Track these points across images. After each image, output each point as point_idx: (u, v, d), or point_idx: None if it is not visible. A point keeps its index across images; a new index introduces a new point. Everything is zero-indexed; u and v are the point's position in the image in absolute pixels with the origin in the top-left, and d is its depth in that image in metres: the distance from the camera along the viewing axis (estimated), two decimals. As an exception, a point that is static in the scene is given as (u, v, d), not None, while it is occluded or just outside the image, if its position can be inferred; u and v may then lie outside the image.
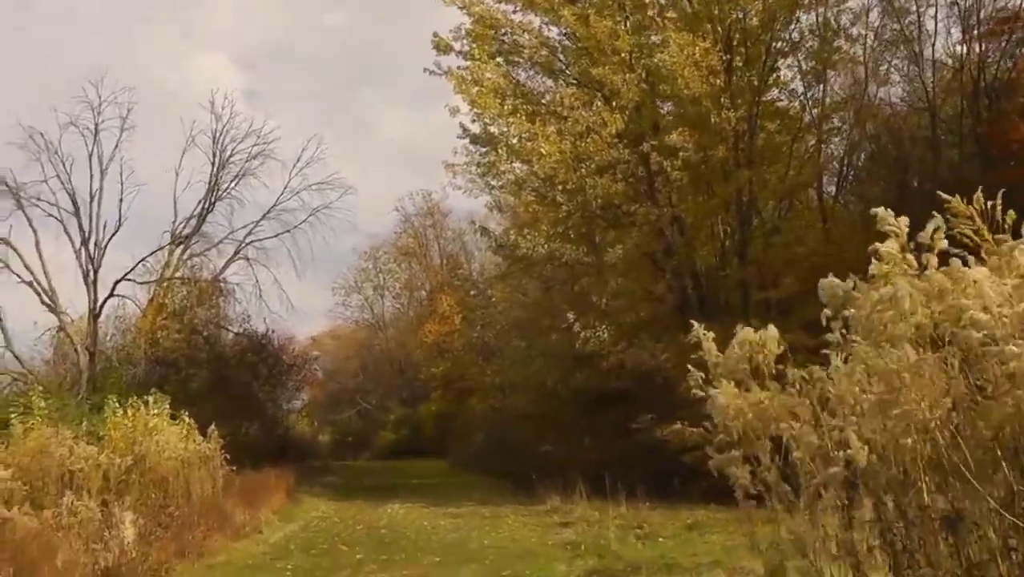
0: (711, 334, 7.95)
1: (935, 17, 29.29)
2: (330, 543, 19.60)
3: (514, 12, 28.15)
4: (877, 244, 5.84)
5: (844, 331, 6.74)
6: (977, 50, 28.86)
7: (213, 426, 23.19)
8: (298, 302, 75.55)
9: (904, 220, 5.83)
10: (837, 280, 6.15)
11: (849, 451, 5.67)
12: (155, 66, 77.52)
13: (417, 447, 58.53)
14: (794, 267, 27.32)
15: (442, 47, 28.16)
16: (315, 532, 21.86)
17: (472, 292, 60.46)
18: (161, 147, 76.46)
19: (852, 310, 6.19)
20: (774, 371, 7.47)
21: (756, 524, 8.54)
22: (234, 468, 24.16)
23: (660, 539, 17.72)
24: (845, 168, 31.09)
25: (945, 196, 5.88)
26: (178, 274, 42.62)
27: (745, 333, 7.27)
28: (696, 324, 8.16)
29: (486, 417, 44.46)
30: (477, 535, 19.91)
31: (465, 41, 28.04)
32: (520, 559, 16.23)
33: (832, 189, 31.21)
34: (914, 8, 29.53)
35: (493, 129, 28.05)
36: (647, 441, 24.66)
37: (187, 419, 22.65)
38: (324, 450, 62.46)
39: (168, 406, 22.24)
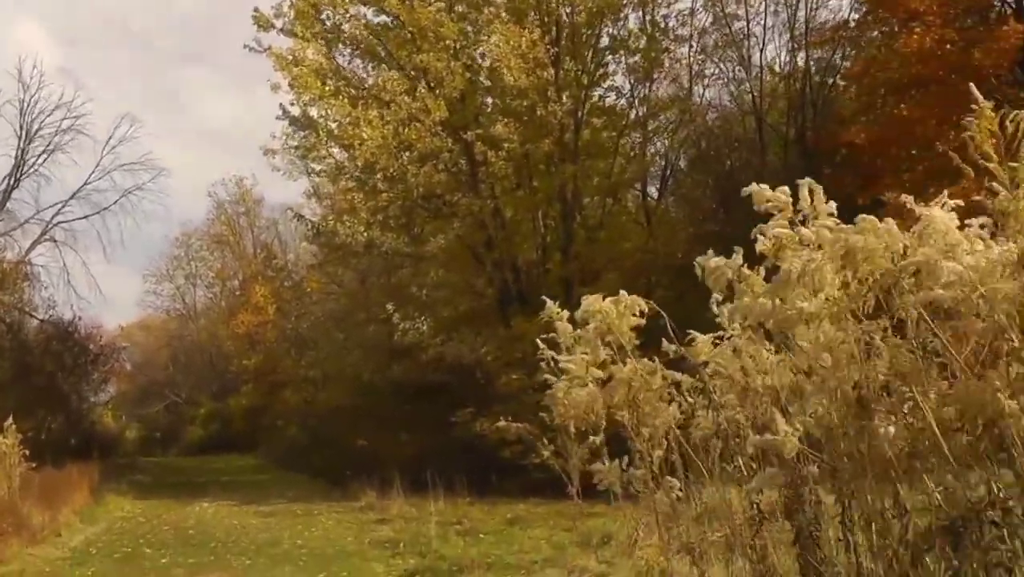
0: (564, 312, 7.44)
1: (763, 24, 29.67)
2: (134, 546, 18.40)
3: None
4: (761, 226, 5.28)
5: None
6: (804, 58, 29.42)
7: (11, 420, 21.60)
8: (108, 290, 72.67)
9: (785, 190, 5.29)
10: (720, 258, 5.57)
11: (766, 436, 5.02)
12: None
13: (227, 442, 56.80)
14: (617, 264, 27.37)
15: (262, 23, 26.99)
16: (119, 534, 20.51)
17: (287, 283, 59.02)
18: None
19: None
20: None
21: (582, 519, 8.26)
22: (34, 465, 22.56)
23: (482, 535, 17.41)
24: (669, 168, 31.25)
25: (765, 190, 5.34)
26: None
27: (593, 300, 6.69)
28: (548, 301, 7.62)
29: (299, 411, 43.25)
30: (289, 534, 19.08)
31: (287, 19, 26.99)
32: (336, 560, 15.56)
33: (656, 188, 31.35)
34: (743, 14, 29.82)
35: (313, 112, 27.21)
36: (465, 436, 24.39)
37: None
38: (131, 446, 59.89)
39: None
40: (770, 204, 5.28)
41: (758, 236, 5.25)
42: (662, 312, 6.30)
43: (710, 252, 5.65)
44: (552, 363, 7.73)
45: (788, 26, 29.65)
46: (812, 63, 29.68)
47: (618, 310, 6.57)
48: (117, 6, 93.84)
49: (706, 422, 6.60)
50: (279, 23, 27.07)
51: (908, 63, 20.38)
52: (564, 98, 26.48)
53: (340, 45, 27.99)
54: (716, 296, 6.10)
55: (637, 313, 6.61)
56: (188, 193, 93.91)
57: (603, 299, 6.64)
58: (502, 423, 9.66)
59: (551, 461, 9.03)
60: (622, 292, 6.57)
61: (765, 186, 5.42)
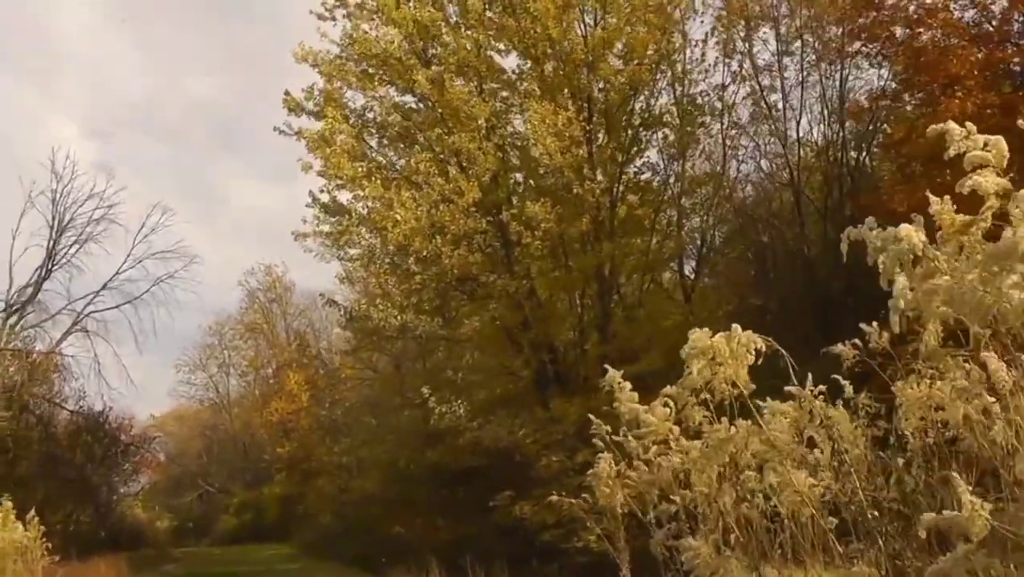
0: (627, 384, 6.92)
1: (798, 97, 29.30)
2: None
3: (365, 72, 27.04)
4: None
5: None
6: (839, 130, 29.05)
7: (33, 512, 21.08)
8: (140, 380, 72.21)
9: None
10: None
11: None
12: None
13: (261, 532, 56.19)
14: (657, 343, 26.85)
15: (292, 106, 26.84)
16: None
17: (321, 370, 58.66)
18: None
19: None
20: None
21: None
22: (58, 559, 21.98)
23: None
24: (705, 245, 30.74)
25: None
26: (10, 346, 39.71)
27: (701, 336, 5.96)
28: (610, 369, 7.12)
29: (333, 499, 42.62)
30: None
31: (317, 101, 26.86)
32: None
33: (692, 266, 30.86)
34: (777, 86, 29.51)
35: (344, 196, 26.89)
36: (504, 520, 23.80)
37: (5, 505, 20.61)
38: (163, 536, 59.34)
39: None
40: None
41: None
42: (780, 349, 5.63)
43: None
44: (607, 439, 7.25)
45: (821, 97, 29.20)
46: (848, 134, 29.26)
47: (731, 348, 5.84)
48: (143, 96, 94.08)
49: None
50: (309, 105, 26.98)
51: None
52: (599, 176, 26.14)
53: (370, 127, 27.75)
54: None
55: (753, 352, 5.88)
56: (223, 285, 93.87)
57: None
58: (554, 497, 9.18)
59: (595, 544, 8.60)
60: (734, 326, 5.70)
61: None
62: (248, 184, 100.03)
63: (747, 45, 29.16)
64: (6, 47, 78.94)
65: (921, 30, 21.25)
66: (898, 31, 21.60)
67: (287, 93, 26.96)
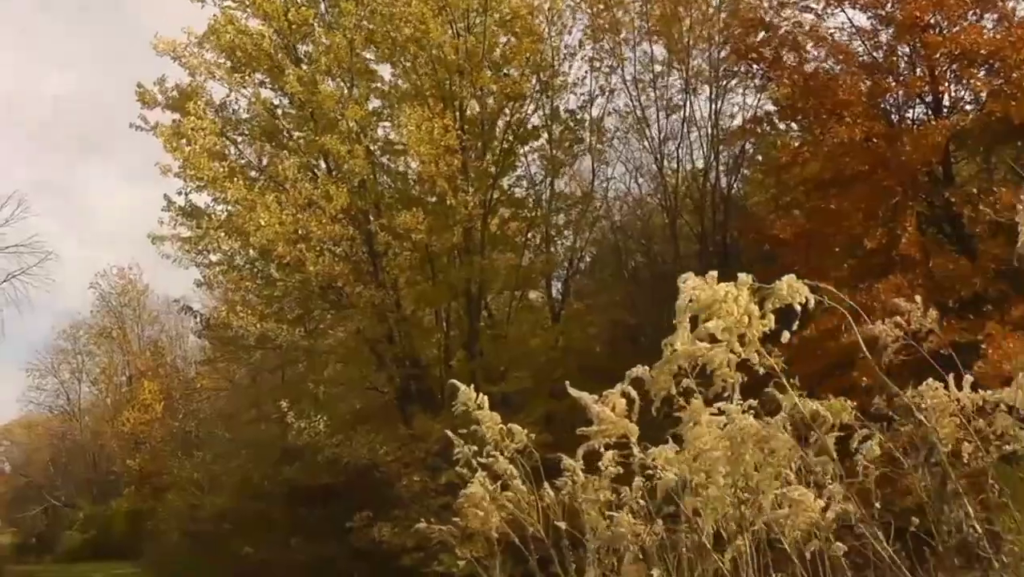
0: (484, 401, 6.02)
1: (683, 116, 28.97)
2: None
3: (231, 66, 25.73)
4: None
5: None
6: (713, 155, 28.81)
7: None
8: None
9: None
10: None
11: None
12: None
13: (108, 549, 53.71)
14: (524, 362, 26.19)
15: (147, 100, 25.33)
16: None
17: (176, 380, 56.66)
18: None
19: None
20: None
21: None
22: None
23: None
24: (576, 263, 30.12)
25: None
26: None
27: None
28: (461, 387, 6.18)
29: (184, 515, 40.77)
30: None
31: (172, 94, 25.42)
32: None
33: (561, 284, 30.23)
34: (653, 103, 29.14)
35: (204, 198, 25.58)
36: (362, 542, 22.95)
37: None
38: (4, 552, 56.63)
39: None
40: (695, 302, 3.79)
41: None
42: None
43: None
44: (470, 460, 6.38)
45: (690, 120, 28.91)
46: (721, 158, 29.06)
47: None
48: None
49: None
50: (163, 98, 25.50)
51: (834, 155, 19.60)
52: (472, 188, 25.27)
53: (234, 124, 26.45)
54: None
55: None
56: (82, 288, 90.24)
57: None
58: (422, 525, 8.33)
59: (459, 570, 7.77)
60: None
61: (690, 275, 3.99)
62: (111, 184, 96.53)
63: (617, 61, 28.71)
64: None
65: (810, 54, 21.02)
66: (785, 54, 21.25)
67: (139, 85, 25.45)
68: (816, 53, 21.09)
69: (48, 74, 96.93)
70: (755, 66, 23.07)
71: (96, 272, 61.44)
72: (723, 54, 26.72)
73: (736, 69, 25.60)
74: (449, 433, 6.69)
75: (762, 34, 21.52)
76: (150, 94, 25.36)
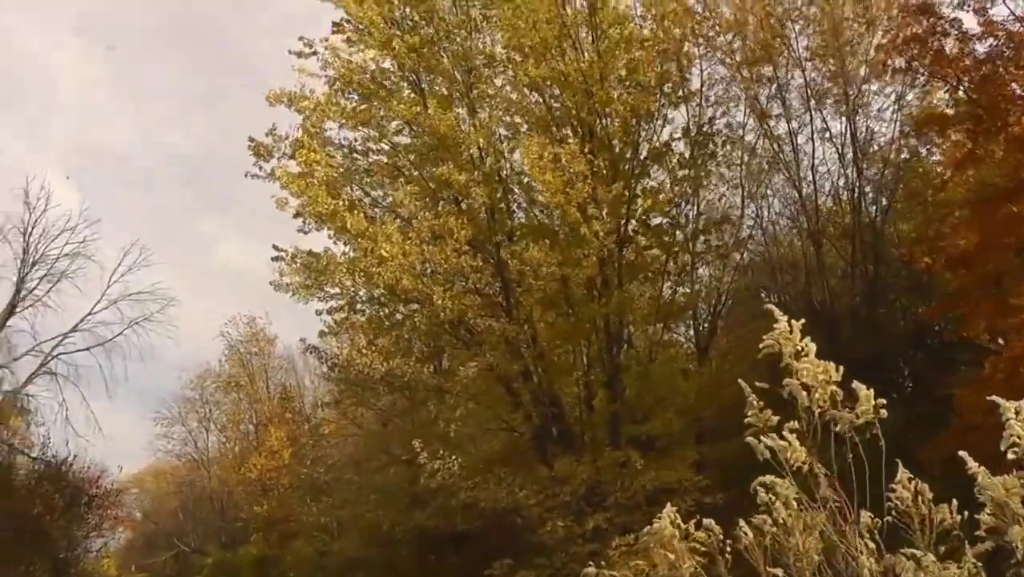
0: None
1: (812, 140, 27.10)
2: None
3: (344, 106, 24.89)
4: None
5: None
6: (857, 176, 26.85)
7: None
8: (115, 433, 69.53)
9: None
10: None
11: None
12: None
13: (235, 595, 53.24)
14: (670, 402, 24.54)
15: (261, 152, 24.56)
16: None
17: (304, 426, 56.09)
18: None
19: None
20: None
21: None
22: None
23: None
24: (721, 294, 28.17)
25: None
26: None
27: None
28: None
29: (312, 562, 39.99)
30: None
31: (285, 142, 24.58)
32: None
33: (709, 317, 28.33)
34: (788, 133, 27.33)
35: (324, 241, 24.74)
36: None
37: None
38: (131, 597, 56.68)
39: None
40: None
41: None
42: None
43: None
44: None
45: (829, 138, 27.01)
46: (865, 180, 27.11)
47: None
48: (127, 148, 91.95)
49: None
50: (279, 151, 24.70)
51: (1012, 153, 17.55)
52: (604, 215, 23.74)
53: (352, 158, 25.52)
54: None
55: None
56: (204, 341, 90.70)
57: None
58: (591, 571, 7.23)
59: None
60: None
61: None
62: (233, 239, 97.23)
63: (751, 73, 26.99)
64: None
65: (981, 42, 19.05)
66: (949, 45, 19.31)
67: (251, 139, 24.73)
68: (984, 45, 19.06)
69: (169, 130, 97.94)
70: (915, 63, 21.03)
71: (225, 320, 61.07)
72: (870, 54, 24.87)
73: (887, 66, 23.53)
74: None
75: (924, 23, 19.54)
76: (264, 146, 24.64)
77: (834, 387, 5.50)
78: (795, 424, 5.60)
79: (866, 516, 5.90)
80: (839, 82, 25.92)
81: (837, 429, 5.50)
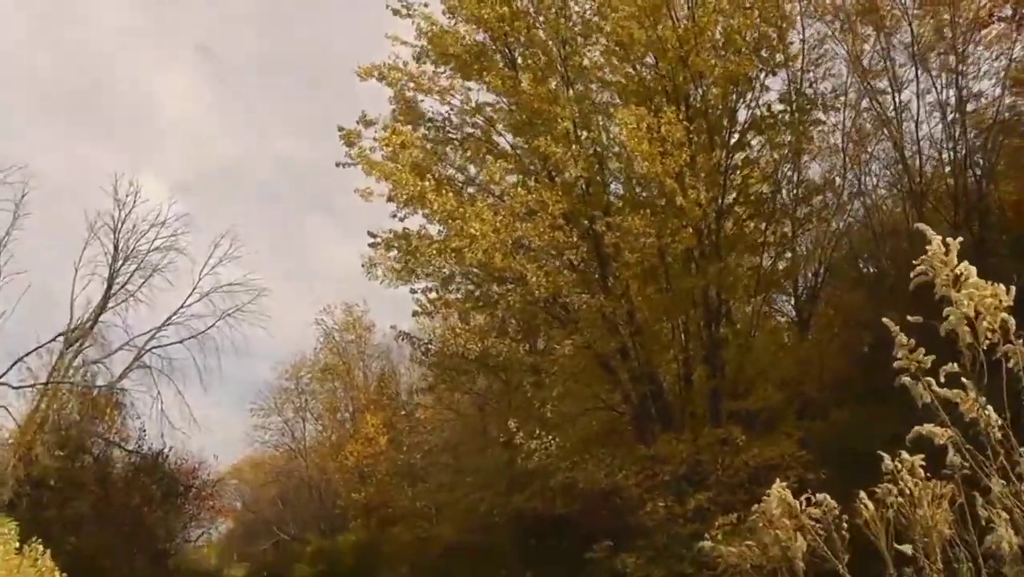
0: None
1: (917, 97, 25.87)
2: None
3: (437, 74, 24.52)
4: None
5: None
6: (962, 135, 25.63)
7: (47, 553, 18.85)
8: (213, 425, 70.18)
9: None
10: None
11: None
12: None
13: (336, 582, 53.43)
14: (771, 376, 23.68)
15: (351, 138, 24.24)
16: None
17: (401, 412, 56.01)
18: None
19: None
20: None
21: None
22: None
23: None
24: (822, 264, 27.05)
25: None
26: (70, 380, 37.36)
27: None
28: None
29: (411, 547, 39.82)
30: None
31: (379, 126, 24.30)
32: None
33: (808, 288, 27.27)
34: (890, 98, 26.17)
35: (415, 220, 24.41)
36: (602, 574, 21.10)
37: (38, 550, 18.55)
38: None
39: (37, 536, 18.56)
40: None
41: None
42: None
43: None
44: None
45: (942, 100, 25.75)
46: (969, 140, 25.86)
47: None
48: (235, 158, 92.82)
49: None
50: (370, 134, 24.38)
51: None
52: (701, 185, 22.96)
53: (444, 133, 25.09)
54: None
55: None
56: (300, 339, 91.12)
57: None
58: (707, 544, 6.60)
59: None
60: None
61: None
62: (333, 244, 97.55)
63: (852, 37, 25.88)
64: (103, 107, 78.14)
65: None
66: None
67: (340, 128, 24.44)
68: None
69: (276, 138, 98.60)
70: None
71: (321, 308, 61.22)
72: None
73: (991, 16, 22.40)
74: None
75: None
76: (354, 132, 24.36)
77: (1005, 314, 4.66)
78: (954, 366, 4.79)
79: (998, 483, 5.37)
80: (946, 36, 24.71)
81: (1011, 366, 4.65)
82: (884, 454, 6.47)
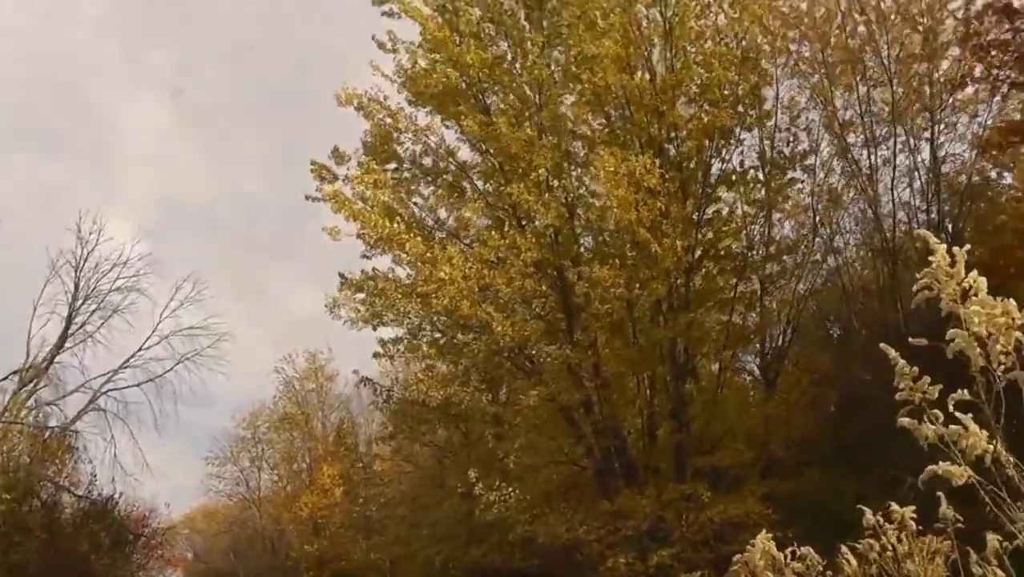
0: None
1: (894, 154, 25.75)
2: None
3: (419, 116, 24.28)
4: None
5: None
6: (936, 196, 25.54)
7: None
8: (170, 475, 69.05)
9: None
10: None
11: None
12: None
13: (285, 639, 52.43)
14: (738, 432, 23.30)
15: (323, 175, 23.89)
16: None
17: (358, 464, 55.22)
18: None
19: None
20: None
21: None
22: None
23: None
24: (790, 323, 26.74)
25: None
26: (22, 421, 36.42)
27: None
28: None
29: (364, 604, 39.04)
30: None
31: (358, 152, 24.05)
32: None
33: (774, 346, 26.94)
34: (865, 156, 26.08)
35: (383, 262, 23.99)
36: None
37: None
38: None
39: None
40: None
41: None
42: None
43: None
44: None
45: (914, 165, 25.68)
46: (942, 204, 25.77)
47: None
48: (200, 198, 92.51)
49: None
50: (343, 171, 24.08)
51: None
52: (676, 235, 22.63)
53: (416, 175, 24.76)
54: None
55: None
56: (262, 388, 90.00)
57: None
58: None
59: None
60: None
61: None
62: (298, 288, 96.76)
63: (830, 93, 25.81)
64: (70, 144, 77.90)
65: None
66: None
67: (313, 162, 24.14)
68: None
69: (244, 181, 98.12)
70: (996, 70, 19.79)
71: (282, 356, 60.41)
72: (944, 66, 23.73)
73: (964, 78, 22.35)
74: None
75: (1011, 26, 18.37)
76: (326, 168, 24.07)
77: (1019, 333, 4.22)
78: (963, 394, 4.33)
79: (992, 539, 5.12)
80: (923, 95, 24.69)
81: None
82: (866, 508, 6.21)
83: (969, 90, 23.38)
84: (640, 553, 20.18)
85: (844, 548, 6.31)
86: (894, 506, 5.84)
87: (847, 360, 26.51)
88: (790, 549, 6.79)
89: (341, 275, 24.36)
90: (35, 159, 75.70)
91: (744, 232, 25.31)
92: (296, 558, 54.81)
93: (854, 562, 6.29)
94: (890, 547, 6.01)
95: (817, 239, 26.68)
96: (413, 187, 24.90)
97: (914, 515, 5.89)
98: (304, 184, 23.99)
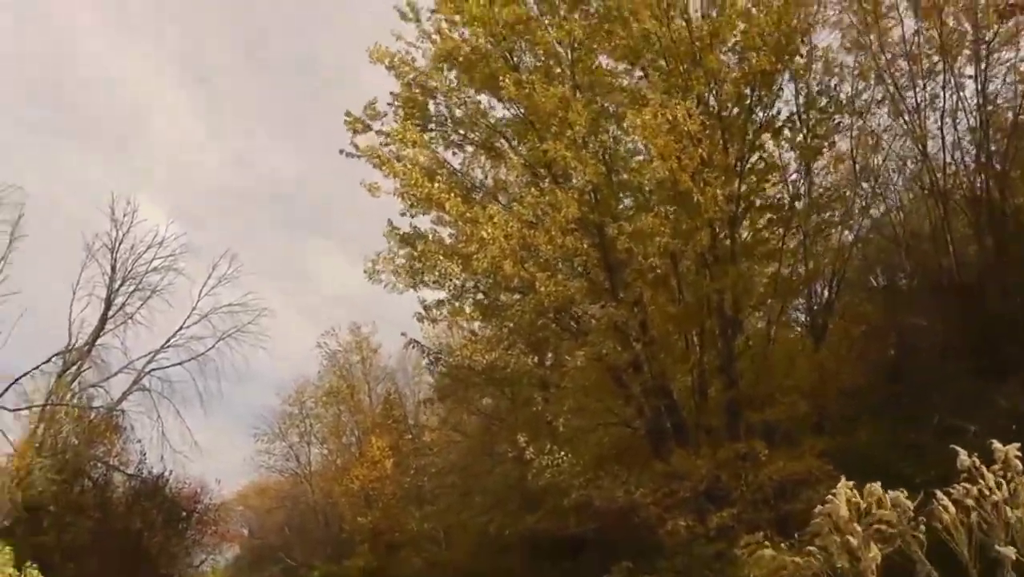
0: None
1: (944, 89, 24.83)
2: None
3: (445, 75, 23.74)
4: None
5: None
6: (984, 128, 24.60)
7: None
8: (218, 450, 69.29)
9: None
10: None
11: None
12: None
13: (342, 608, 52.37)
14: (788, 386, 22.58)
15: (358, 127, 23.63)
16: None
17: (407, 435, 55.05)
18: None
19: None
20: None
21: None
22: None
23: None
24: (838, 272, 25.90)
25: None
26: (68, 403, 36.45)
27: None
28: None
29: (420, 572, 38.79)
30: None
31: (391, 111, 23.70)
32: None
33: (825, 296, 26.18)
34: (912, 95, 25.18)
35: (424, 222, 23.62)
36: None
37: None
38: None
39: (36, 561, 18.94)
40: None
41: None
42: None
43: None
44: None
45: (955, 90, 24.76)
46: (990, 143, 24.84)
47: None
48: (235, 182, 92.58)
49: None
50: (377, 125, 23.80)
51: None
52: (717, 184, 21.89)
53: (451, 135, 24.25)
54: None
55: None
56: (303, 364, 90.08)
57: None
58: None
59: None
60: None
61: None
62: (335, 267, 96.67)
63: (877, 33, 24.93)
64: (102, 130, 78.08)
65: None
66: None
67: (348, 113, 23.92)
68: None
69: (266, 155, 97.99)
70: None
71: (324, 331, 60.44)
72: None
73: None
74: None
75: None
76: (360, 120, 23.82)
77: None
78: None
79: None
80: (972, 31, 23.78)
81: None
82: (960, 449, 5.71)
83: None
84: (699, 515, 19.66)
85: (939, 493, 5.84)
86: (996, 444, 5.43)
87: (895, 309, 25.83)
88: (875, 496, 6.32)
89: (390, 222, 24.12)
90: (66, 147, 75.89)
91: (788, 181, 24.56)
92: (350, 530, 54.85)
93: (952, 509, 5.82)
94: (988, 492, 5.59)
95: (864, 184, 25.92)
96: (447, 148, 24.48)
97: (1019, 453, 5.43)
98: (336, 162, 23.70)
